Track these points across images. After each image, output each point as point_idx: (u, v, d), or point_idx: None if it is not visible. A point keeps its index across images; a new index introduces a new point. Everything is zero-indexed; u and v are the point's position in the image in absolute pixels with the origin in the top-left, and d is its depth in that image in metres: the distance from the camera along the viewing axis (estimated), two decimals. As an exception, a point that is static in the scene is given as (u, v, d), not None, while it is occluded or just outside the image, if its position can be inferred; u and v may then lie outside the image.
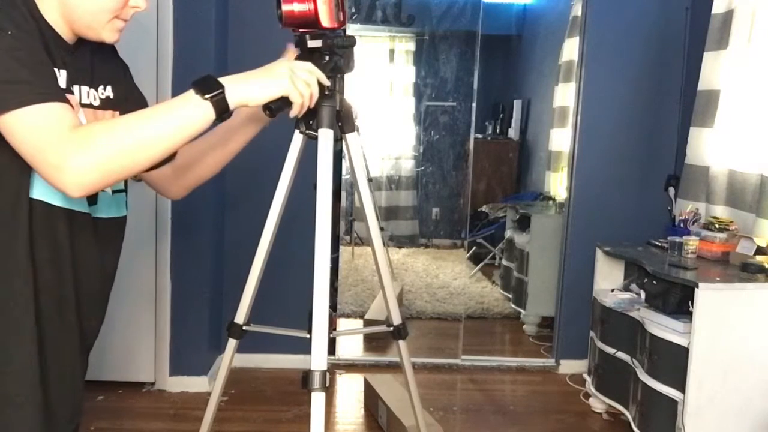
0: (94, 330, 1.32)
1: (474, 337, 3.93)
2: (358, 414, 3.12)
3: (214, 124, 1.13)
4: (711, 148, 3.04)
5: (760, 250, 2.60)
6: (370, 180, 4.68)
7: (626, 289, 3.03)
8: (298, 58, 1.40)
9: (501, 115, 5.33)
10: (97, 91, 1.24)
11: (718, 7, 3.01)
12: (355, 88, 3.20)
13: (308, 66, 1.24)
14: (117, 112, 1.27)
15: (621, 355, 2.85)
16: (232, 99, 1.12)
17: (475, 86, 4.06)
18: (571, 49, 3.76)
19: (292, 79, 1.18)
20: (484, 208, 4.95)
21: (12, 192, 1.11)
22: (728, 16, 2.94)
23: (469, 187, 4.19)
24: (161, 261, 3.18)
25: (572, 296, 3.58)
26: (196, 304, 3.24)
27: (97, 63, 1.25)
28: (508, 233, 4.60)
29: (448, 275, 4.79)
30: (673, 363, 2.46)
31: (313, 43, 1.39)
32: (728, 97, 2.93)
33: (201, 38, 3.13)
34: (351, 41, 1.44)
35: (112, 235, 1.31)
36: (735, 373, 2.40)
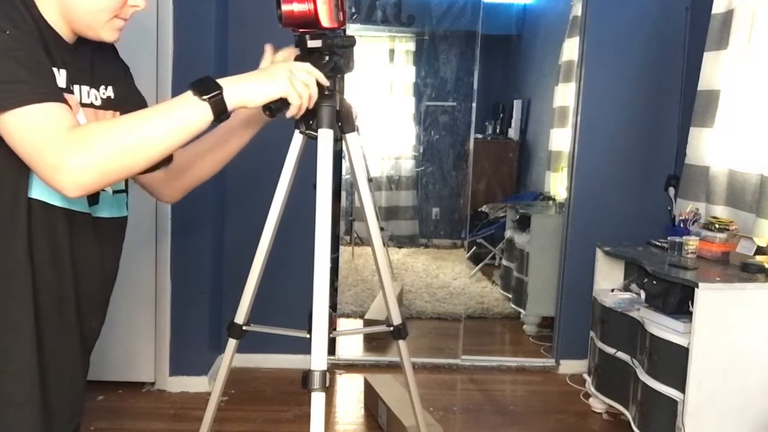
0: (95, 330, 1.32)
1: (474, 337, 3.93)
2: (358, 414, 3.12)
3: (213, 125, 1.13)
4: (711, 148, 3.04)
5: (760, 250, 2.60)
6: (370, 180, 4.68)
7: (626, 289, 3.03)
8: (297, 58, 1.40)
9: (501, 115, 5.33)
10: (98, 90, 1.24)
11: (718, 7, 3.01)
12: (355, 88, 3.20)
13: (307, 67, 1.24)
14: (118, 113, 1.27)
15: (621, 355, 2.85)
16: (231, 100, 1.12)
17: (475, 86, 4.06)
18: (571, 49, 3.76)
19: (291, 80, 1.18)
20: (484, 208, 4.95)
21: (10, 192, 1.11)
22: (728, 16, 2.94)
23: (469, 187, 4.19)
24: (161, 261, 3.18)
25: (572, 296, 3.58)
26: (196, 304, 3.24)
27: (97, 63, 1.25)
28: (508, 233, 4.60)
29: (448, 275, 4.79)
30: (673, 363, 2.46)
31: (313, 43, 1.39)
32: (728, 97, 2.93)
33: (201, 38, 3.13)
34: (351, 41, 1.44)
35: (112, 235, 1.31)
36: (735, 373, 2.40)
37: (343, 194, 4.34)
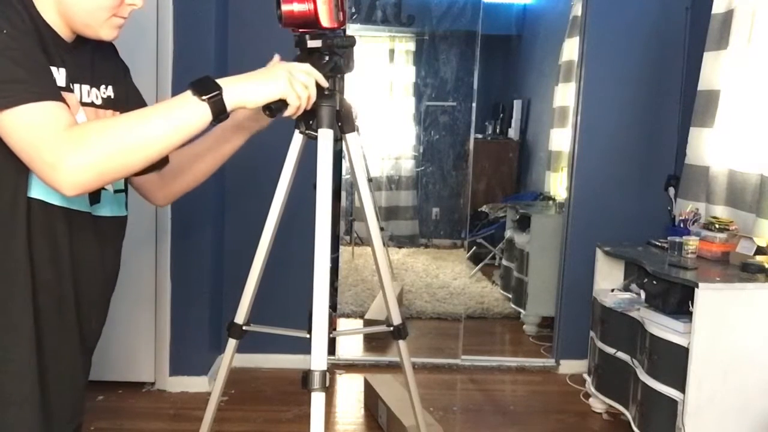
0: (95, 330, 1.31)
1: (474, 337, 3.93)
2: (358, 414, 3.12)
3: (212, 125, 1.13)
4: (711, 148, 3.04)
5: (760, 250, 2.60)
6: (370, 180, 4.68)
7: (626, 289, 3.03)
8: (297, 58, 1.40)
9: (501, 115, 5.33)
10: (99, 90, 1.24)
11: (718, 7, 3.01)
12: (355, 88, 3.21)
13: (306, 68, 1.24)
14: (118, 112, 1.27)
15: (621, 355, 2.85)
16: (230, 100, 1.12)
17: (475, 86, 4.06)
18: (571, 49, 3.76)
19: (290, 81, 1.18)
20: (484, 208, 4.95)
21: (9, 191, 1.11)
22: (728, 16, 2.94)
23: (469, 187, 4.19)
24: (161, 261, 3.19)
25: (572, 296, 3.58)
26: (196, 304, 3.24)
27: (97, 62, 1.25)
28: (508, 233, 4.60)
29: (448, 275, 4.79)
30: (673, 363, 2.46)
31: (313, 43, 1.39)
32: (728, 97, 2.93)
33: (201, 38, 3.13)
34: (351, 41, 1.44)
35: (112, 234, 1.31)
36: (735, 373, 2.40)
37: (343, 194, 4.34)
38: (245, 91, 1.15)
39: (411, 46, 5.07)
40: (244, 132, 1.44)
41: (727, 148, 2.94)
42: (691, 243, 2.78)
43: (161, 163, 1.35)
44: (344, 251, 4.45)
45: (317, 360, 1.37)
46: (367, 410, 3.11)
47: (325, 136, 1.43)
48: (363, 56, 3.35)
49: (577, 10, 3.61)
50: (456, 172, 4.92)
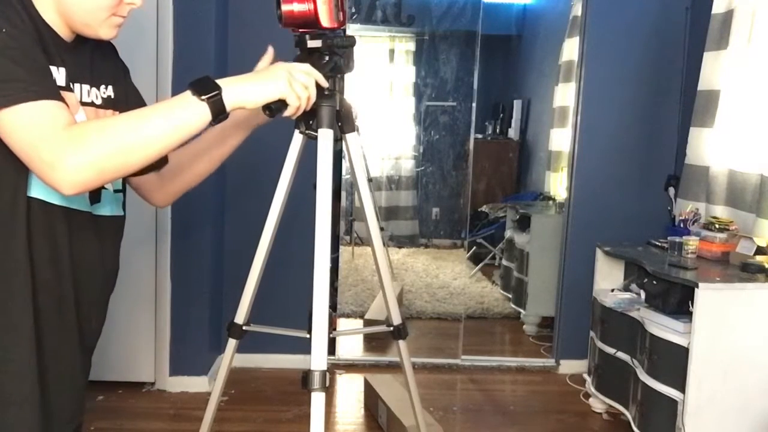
0: (95, 330, 1.31)
1: (474, 337, 3.93)
2: (358, 414, 3.12)
3: (211, 125, 1.13)
4: (711, 148, 3.04)
5: (760, 250, 2.60)
6: (370, 180, 4.68)
7: (626, 289, 3.03)
8: (297, 58, 1.40)
9: (501, 115, 5.33)
10: (99, 89, 1.24)
11: (718, 7, 3.01)
12: (355, 88, 3.21)
13: (306, 68, 1.24)
14: (118, 112, 1.26)
15: (621, 355, 2.85)
16: (229, 101, 1.12)
17: (475, 86, 4.06)
18: (571, 49, 3.76)
19: (290, 81, 1.18)
20: (484, 208, 4.95)
21: (9, 191, 1.11)
22: (728, 16, 2.94)
23: (469, 187, 4.19)
24: (161, 261, 3.19)
25: (572, 296, 3.58)
26: (196, 304, 3.24)
27: (97, 62, 1.25)
28: (508, 233, 4.60)
29: (448, 275, 4.79)
30: (673, 363, 2.46)
31: (313, 43, 1.39)
32: (728, 97, 2.93)
33: (201, 38, 3.13)
34: (351, 41, 1.44)
35: (112, 233, 1.31)
36: (735, 373, 2.40)
37: (343, 194, 4.33)
38: (245, 91, 1.14)
39: (411, 46, 5.07)
40: (243, 130, 1.44)
41: (727, 148, 2.94)
42: (691, 243, 2.78)
43: (160, 163, 1.35)
44: (344, 251, 4.45)
45: (317, 360, 1.37)
46: (367, 410, 3.11)
47: (325, 136, 1.44)
48: (363, 56, 3.35)
49: (577, 10, 3.61)
50: (456, 172, 4.92)
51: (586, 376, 3.23)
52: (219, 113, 1.11)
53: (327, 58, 1.40)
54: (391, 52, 5.06)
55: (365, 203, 1.63)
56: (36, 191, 1.12)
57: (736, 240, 2.70)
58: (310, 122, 1.46)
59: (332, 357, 3.60)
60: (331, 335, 1.44)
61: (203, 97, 1.09)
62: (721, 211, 2.95)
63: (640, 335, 2.69)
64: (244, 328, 1.70)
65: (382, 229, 4.84)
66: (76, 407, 1.29)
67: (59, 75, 1.14)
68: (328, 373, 1.37)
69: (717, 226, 2.80)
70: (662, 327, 2.55)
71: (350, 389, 3.42)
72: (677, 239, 2.86)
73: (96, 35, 1.19)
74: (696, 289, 2.37)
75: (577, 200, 3.56)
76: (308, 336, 1.41)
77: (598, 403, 3.10)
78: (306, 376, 1.36)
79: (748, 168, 2.80)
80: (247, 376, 3.39)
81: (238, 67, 1.44)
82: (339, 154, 3.40)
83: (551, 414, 3.16)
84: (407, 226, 5.27)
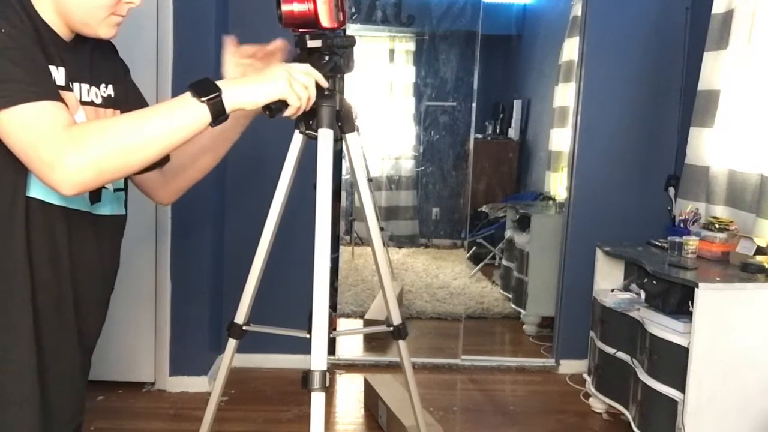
0: (95, 330, 1.32)
1: (474, 337, 3.93)
2: (358, 414, 3.12)
3: (211, 127, 1.12)
4: (711, 148, 3.04)
5: (760, 250, 2.60)
6: (370, 180, 4.68)
7: (626, 289, 3.03)
8: (297, 58, 1.40)
9: (501, 115, 5.33)
10: (99, 89, 1.24)
11: (718, 7, 3.01)
12: (355, 88, 3.21)
13: (306, 68, 1.24)
14: (118, 111, 1.27)
15: (621, 355, 2.85)
16: (229, 102, 1.12)
17: (475, 86, 4.06)
18: (571, 49, 3.76)
19: (290, 81, 1.18)
20: (484, 208, 4.95)
21: (8, 191, 1.11)
22: (728, 16, 2.94)
23: (469, 187, 4.19)
24: (161, 261, 3.19)
25: (572, 296, 3.58)
26: (196, 304, 3.24)
27: (96, 61, 1.25)
28: (508, 233, 4.60)
29: (448, 275, 4.79)
30: (673, 363, 2.46)
31: (313, 43, 1.39)
32: (728, 97, 2.93)
33: (201, 38, 3.13)
34: (351, 41, 1.44)
35: (111, 233, 1.31)
36: (735, 373, 2.40)
37: (343, 194, 4.33)
38: (244, 92, 1.15)
39: (411, 46, 5.07)
40: (243, 123, 1.43)
41: (727, 148, 2.94)
42: (691, 243, 2.78)
43: (162, 161, 1.35)
44: (344, 251, 4.45)
45: (317, 360, 1.37)
46: (367, 410, 3.11)
47: (325, 136, 1.44)
48: (363, 56, 3.35)
49: (577, 10, 3.61)
50: (456, 172, 4.92)
51: (586, 376, 3.23)
52: (219, 115, 1.11)
53: (327, 58, 1.40)
54: (391, 52, 5.06)
55: (365, 203, 1.63)
56: (35, 191, 1.12)
57: (736, 240, 2.70)
58: (310, 122, 1.46)
59: (332, 357, 3.60)
60: (331, 335, 1.44)
61: (203, 99, 1.09)
62: (721, 211, 2.95)
63: (640, 335, 2.69)
64: (244, 328, 1.70)
65: (382, 229, 4.84)
66: (76, 407, 1.29)
67: (58, 74, 1.14)
68: (328, 373, 1.37)
69: (717, 226, 2.80)
70: (662, 327, 2.55)
71: (350, 389, 3.42)
72: (677, 239, 2.86)
73: (95, 34, 1.19)
74: (696, 289, 2.37)
75: (577, 200, 3.56)
76: (308, 336, 1.41)
77: (598, 403, 3.10)
78: (306, 376, 1.36)
79: (748, 168, 2.80)
80: (247, 376, 3.39)
81: (238, 67, 1.44)
82: (339, 154, 3.40)
83: (551, 414, 3.16)
84: (407, 226, 5.27)
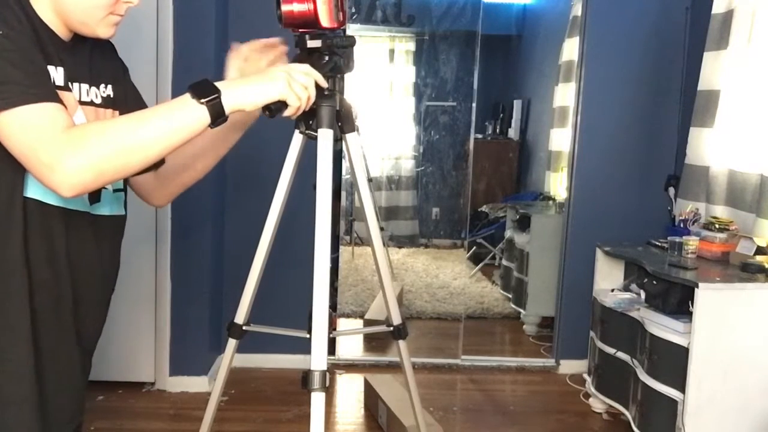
0: (94, 330, 1.31)
1: (474, 337, 3.93)
2: (358, 414, 3.12)
3: (210, 128, 1.12)
4: (711, 148, 3.03)
5: (760, 250, 2.60)
6: (370, 180, 4.68)
7: (626, 289, 3.03)
8: (297, 58, 1.40)
9: (501, 115, 5.33)
10: (98, 89, 1.24)
11: (718, 7, 3.01)
12: (355, 88, 3.21)
13: (305, 68, 1.24)
14: (117, 112, 1.27)
15: (621, 355, 2.85)
16: (228, 103, 1.12)
17: (475, 86, 4.06)
18: (571, 49, 3.76)
19: (289, 82, 1.18)
20: (484, 208, 4.95)
21: (6, 191, 1.11)
22: (728, 16, 2.94)
23: (469, 187, 4.19)
24: (161, 261, 3.18)
25: (572, 296, 3.58)
26: (196, 304, 3.24)
27: (96, 61, 1.25)
28: (508, 233, 4.60)
29: (448, 275, 4.79)
30: (673, 363, 2.46)
31: (313, 43, 1.39)
32: (728, 97, 2.93)
33: (201, 38, 3.13)
34: (351, 41, 1.44)
35: (111, 233, 1.30)
36: (735, 373, 2.40)
37: (343, 194, 4.33)
38: (243, 93, 1.14)
39: (411, 46, 5.07)
40: (240, 129, 1.43)
41: (727, 148, 2.94)
42: (691, 243, 2.78)
43: (157, 163, 1.35)
44: (344, 251, 4.45)
45: (317, 360, 1.37)
46: (367, 410, 3.11)
47: (325, 136, 1.43)
48: (363, 56, 3.35)
49: (577, 10, 3.61)
50: (456, 172, 4.92)
51: (586, 376, 3.23)
52: (218, 116, 1.11)
53: (327, 58, 1.40)
54: (391, 52, 5.06)
55: (365, 203, 1.63)
56: (33, 191, 1.12)
57: (736, 240, 2.70)
58: (310, 122, 1.46)
59: (332, 357, 3.60)
60: (331, 335, 1.44)
61: (202, 100, 1.09)
62: (721, 211, 2.95)
63: (640, 335, 2.68)
64: (244, 328, 1.70)
65: (382, 229, 4.84)
66: (76, 407, 1.29)
67: (57, 74, 1.14)
68: (328, 373, 1.37)
69: (717, 226, 2.80)
70: (662, 327, 2.55)
71: (350, 389, 3.42)
72: (677, 239, 2.86)
73: (94, 34, 1.19)
74: (696, 289, 2.37)
75: (577, 200, 3.56)
76: (308, 336, 1.41)
77: (598, 403, 3.10)
78: (306, 376, 1.36)
79: (748, 168, 2.80)
80: (247, 376, 3.39)
81: (238, 67, 1.44)
82: (339, 154, 3.40)
83: (551, 414, 3.16)
84: (407, 226, 5.27)
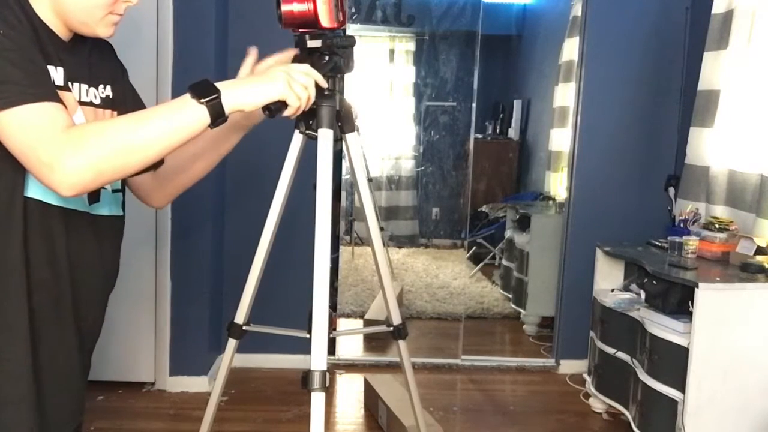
0: (94, 330, 1.31)
1: (474, 337, 3.93)
2: (358, 414, 3.12)
3: (210, 128, 1.12)
4: (711, 148, 3.04)
5: (760, 250, 2.60)
6: (370, 180, 4.68)
7: (626, 289, 3.03)
8: (297, 58, 1.40)
9: (501, 115, 5.32)
10: (97, 89, 1.24)
11: (718, 7, 3.01)
12: (355, 88, 3.21)
13: (305, 68, 1.24)
14: (116, 113, 1.27)
15: (621, 355, 2.85)
16: (228, 104, 1.12)
17: (475, 86, 4.06)
18: (571, 49, 3.76)
19: (289, 82, 1.18)
20: (484, 208, 4.95)
21: (7, 191, 1.11)
22: (728, 16, 2.94)
23: (469, 187, 4.19)
24: (161, 261, 3.18)
25: (572, 296, 3.58)
26: (196, 304, 3.24)
27: (95, 61, 1.25)
28: (508, 233, 4.60)
29: (448, 275, 4.79)
30: (673, 363, 2.46)
31: (313, 43, 1.39)
32: (728, 97, 2.93)
33: (201, 38, 3.13)
34: (351, 41, 1.44)
35: (110, 233, 1.30)
36: (735, 373, 2.40)
37: (343, 194, 4.33)
38: (243, 93, 1.15)
39: (411, 46, 5.07)
40: (240, 131, 1.44)
41: (727, 148, 2.94)
42: (691, 243, 2.78)
43: (156, 163, 1.35)
44: (344, 251, 4.45)
45: (317, 360, 1.37)
46: (367, 410, 3.11)
47: (325, 136, 1.43)
48: (363, 56, 3.35)
49: (577, 10, 3.61)
50: (456, 172, 4.92)
51: (586, 376, 3.23)
52: (218, 116, 1.11)
53: (327, 58, 1.40)
54: (391, 52, 5.06)
55: (365, 203, 1.63)
56: (33, 191, 1.12)
57: (736, 240, 2.70)
58: (310, 122, 1.46)
59: (332, 357, 3.60)
60: (331, 335, 1.44)
61: (202, 101, 1.10)
62: (721, 211, 2.95)
63: (640, 335, 2.69)
64: (244, 328, 1.70)
65: (382, 229, 4.84)
66: (76, 407, 1.29)
67: (57, 74, 1.14)
68: (328, 373, 1.37)
69: (717, 226, 2.80)
70: (662, 327, 2.55)
71: (350, 389, 3.42)
72: (677, 239, 2.86)
73: (93, 33, 1.19)
74: (696, 289, 2.37)
75: (577, 200, 3.56)
76: (308, 336, 1.41)
77: (598, 403, 3.10)
78: (306, 376, 1.36)
79: (748, 168, 2.80)
80: (247, 376, 3.39)
81: (237, 67, 1.45)
82: (339, 154, 3.40)
83: (551, 414, 3.16)
84: (407, 226, 5.27)
